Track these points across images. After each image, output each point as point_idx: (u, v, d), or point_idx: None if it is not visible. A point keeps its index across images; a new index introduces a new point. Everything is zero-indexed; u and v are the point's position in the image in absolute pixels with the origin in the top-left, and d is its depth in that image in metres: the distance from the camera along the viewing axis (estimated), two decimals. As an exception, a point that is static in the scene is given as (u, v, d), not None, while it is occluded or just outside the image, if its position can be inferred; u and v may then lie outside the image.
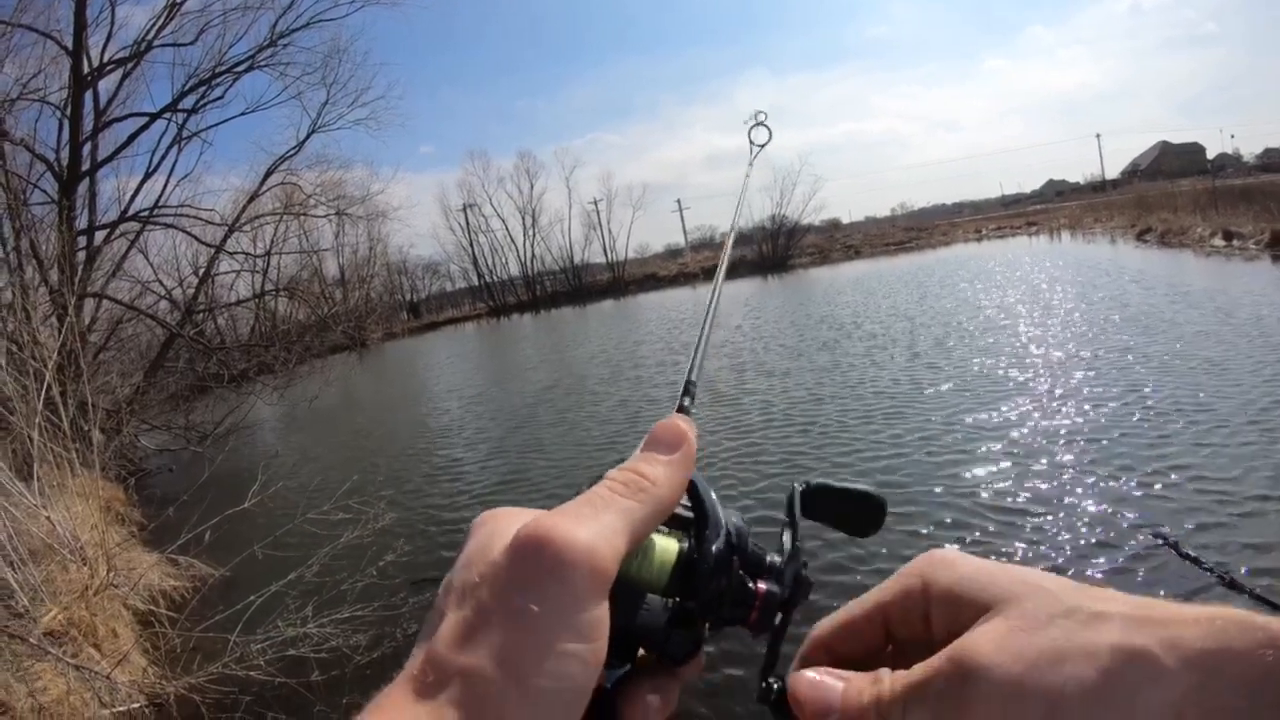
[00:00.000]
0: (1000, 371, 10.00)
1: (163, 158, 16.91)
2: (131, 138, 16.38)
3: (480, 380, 19.33)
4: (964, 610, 0.40)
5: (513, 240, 59.37)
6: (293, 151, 20.24)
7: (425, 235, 50.44)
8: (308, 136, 20.40)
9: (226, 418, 15.14)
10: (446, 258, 59.67)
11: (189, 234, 17.85)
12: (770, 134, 0.91)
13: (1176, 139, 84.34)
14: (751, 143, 0.93)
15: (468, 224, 57.08)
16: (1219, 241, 21.64)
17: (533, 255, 57.14)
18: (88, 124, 15.31)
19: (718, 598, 0.43)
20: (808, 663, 0.45)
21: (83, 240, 14.86)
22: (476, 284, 59.43)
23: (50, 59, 14.96)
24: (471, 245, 57.59)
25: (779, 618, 0.45)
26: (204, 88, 16.88)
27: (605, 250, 57.06)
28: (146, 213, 16.59)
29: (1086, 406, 7.83)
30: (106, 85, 15.92)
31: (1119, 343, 10.65)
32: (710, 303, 0.64)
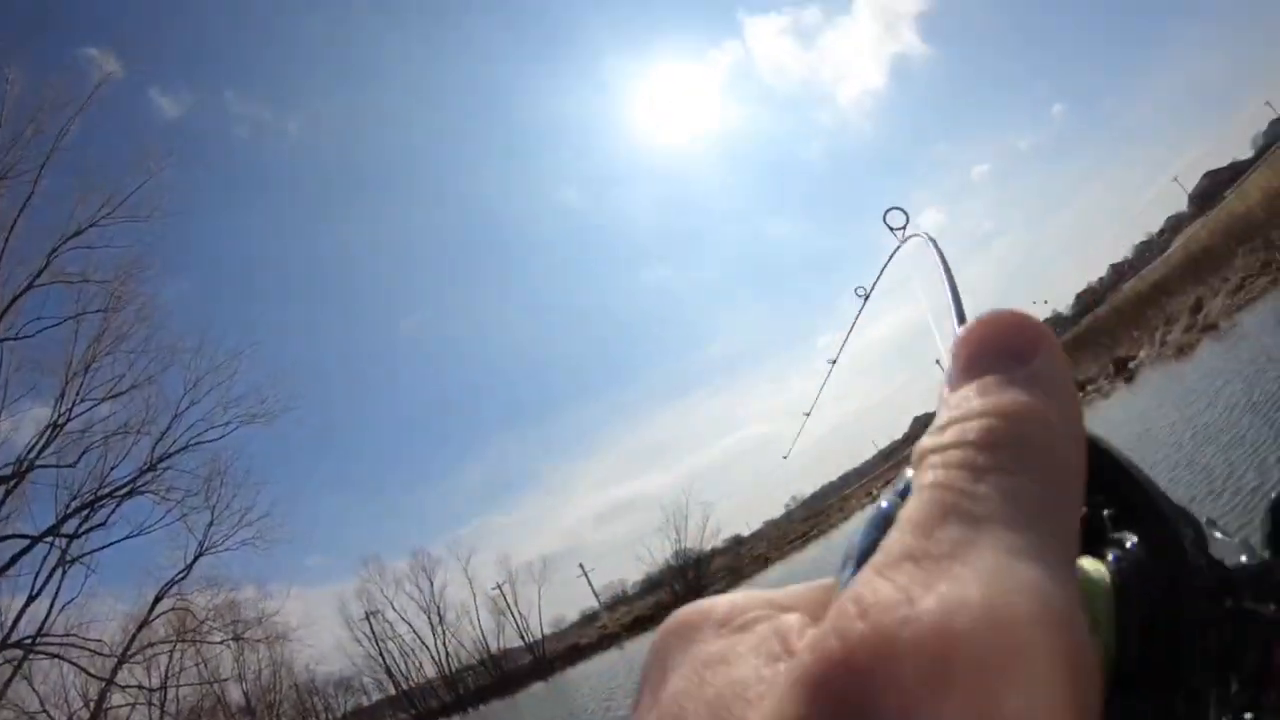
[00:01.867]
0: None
1: (46, 581, 16.62)
2: (14, 559, 16.20)
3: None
4: None
5: (423, 642, 57.59)
6: (181, 575, 19.49)
7: (331, 649, 48.43)
8: (195, 559, 19.61)
9: None
10: (357, 670, 56.47)
11: (76, 665, 17.26)
12: (907, 218, 0.81)
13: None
14: (892, 229, 0.91)
15: (373, 632, 55.39)
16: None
17: (447, 654, 55.33)
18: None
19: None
20: None
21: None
22: (394, 693, 56.28)
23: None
24: (381, 654, 55.34)
25: None
26: (87, 510, 16.87)
27: (520, 633, 55.91)
28: (30, 640, 16.12)
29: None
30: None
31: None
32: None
